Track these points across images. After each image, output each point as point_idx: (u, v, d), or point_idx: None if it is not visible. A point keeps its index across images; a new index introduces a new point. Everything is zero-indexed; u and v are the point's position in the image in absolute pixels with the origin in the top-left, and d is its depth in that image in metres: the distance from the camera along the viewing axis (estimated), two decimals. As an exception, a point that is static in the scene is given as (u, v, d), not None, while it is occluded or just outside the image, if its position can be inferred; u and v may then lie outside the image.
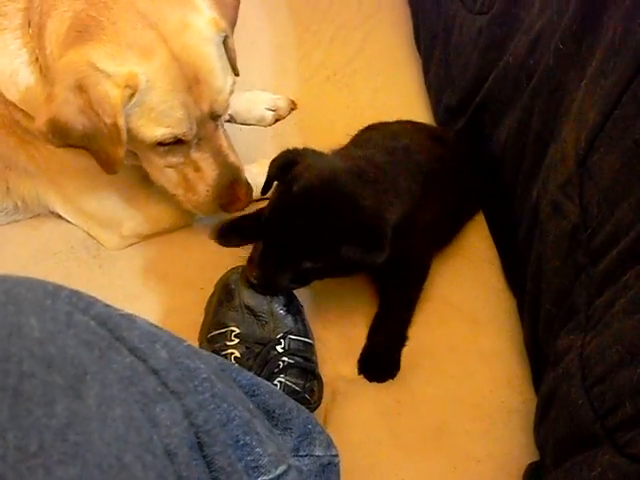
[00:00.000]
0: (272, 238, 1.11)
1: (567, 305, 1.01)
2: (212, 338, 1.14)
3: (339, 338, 1.26)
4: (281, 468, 0.79)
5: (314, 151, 1.17)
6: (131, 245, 1.40)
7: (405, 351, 1.24)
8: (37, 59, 1.20)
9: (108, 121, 1.10)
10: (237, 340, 1.11)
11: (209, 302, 1.20)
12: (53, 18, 1.14)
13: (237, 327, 1.13)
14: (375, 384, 1.20)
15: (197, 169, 1.25)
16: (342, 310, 1.29)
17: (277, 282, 1.13)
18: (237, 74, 1.29)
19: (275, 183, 1.18)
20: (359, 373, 1.21)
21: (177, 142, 1.19)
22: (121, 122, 1.10)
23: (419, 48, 1.76)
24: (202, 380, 0.72)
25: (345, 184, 1.08)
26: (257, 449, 0.75)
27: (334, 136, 1.53)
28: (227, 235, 1.33)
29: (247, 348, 1.11)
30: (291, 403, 0.93)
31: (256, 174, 1.38)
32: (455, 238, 1.39)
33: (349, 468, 1.08)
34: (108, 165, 1.18)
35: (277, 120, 1.66)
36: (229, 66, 1.24)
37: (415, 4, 1.81)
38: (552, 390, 0.98)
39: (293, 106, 1.68)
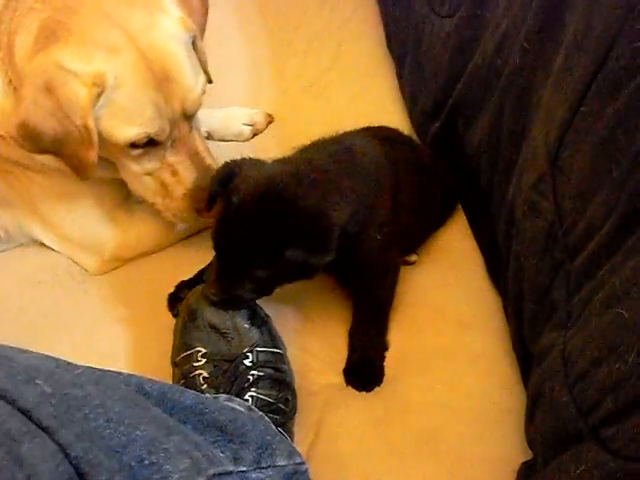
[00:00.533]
0: (223, 253, 1.11)
1: (548, 303, 1.01)
2: (180, 361, 1.14)
3: (326, 347, 1.26)
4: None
5: (253, 160, 1.16)
6: (115, 269, 1.39)
7: (392, 357, 1.24)
8: (10, 81, 1.20)
9: (78, 122, 1.10)
10: (204, 360, 1.11)
11: (175, 325, 1.20)
12: (20, 34, 1.15)
13: (203, 347, 1.12)
14: (365, 393, 1.20)
15: (174, 173, 1.23)
16: (328, 319, 1.29)
17: (237, 295, 1.12)
18: (210, 81, 1.29)
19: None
20: (346, 384, 1.21)
21: (151, 143, 1.18)
22: (91, 123, 1.10)
23: (392, 54, 1.76)
24: (94, 407, 0.74)
25: (283, 188, 1.07)
26: (165, 466, 0.75)
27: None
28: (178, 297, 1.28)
29: (215, 366, 1.10)
30: (244, 417, 0.93)
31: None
32: (436, 240, 1.39)
33: (343, 479, 1.08)
34: (80, 170, 1.17)
35: (255, 135, 1.66)
36: (199, 66, 1.24)
37: (386, 11, 1.81)
38: (537, 388, 0.98)
39: (270, 119, 1.68)
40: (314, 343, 1.26)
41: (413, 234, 1.33)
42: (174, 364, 1.15)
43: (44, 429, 0.69)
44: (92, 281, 1.39)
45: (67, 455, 0.69)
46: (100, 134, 1.14)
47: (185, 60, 1.17)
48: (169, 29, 1.16)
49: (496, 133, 1.21)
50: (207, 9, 1.33)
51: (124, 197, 1.35)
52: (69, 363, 0.82)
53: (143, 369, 1.21)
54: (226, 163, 1.15)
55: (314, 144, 1.26)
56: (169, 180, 1.24)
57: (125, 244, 1.37)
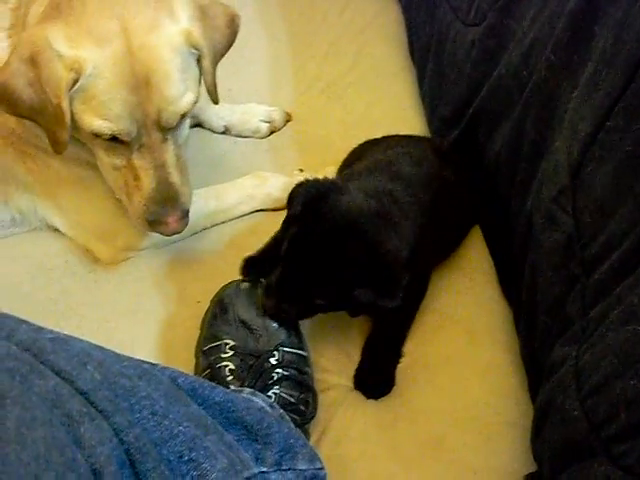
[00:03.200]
0: (289, 272, 1.10)
1: (562, 316, 1.01)
2: (207, 351, 1.15)
3: (337, 350, 1.26)
4: None
5: (338, 186, 1.13)
6: (127, 259, 1.39)
7: (402, 364, 1.24)
8: None
9: (54, 101, 1.10)
10: (231, 352, 1.12)
11: (204, 316, 1.21)
12: (35, 4, 1.17)
13: (231, 340, 1.14)
14: (373, 399, 1.20)
15: (136, 177, 1.21)
16: (339, 323, 1.28)
17: (289, 313, 1.13)
18: (215, 102, 1.29)
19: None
20: (355, 389, 1.21)
21: (115, 140, 1.17)
22: (65, 105, 1.10)
23: (413, 60, 1.76)
24: (140, 398, 0.75)
25: (368, 228, 1.06)
26: (204, 464, 0.77)
27: (329, 148, 1.54)
28: (250, 272, 1.25)
29: (241, 360, 1.11)
30: (270, 418, 0.94)
31: (249, 186, 1.38)
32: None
33: (345, 481, 1.09)
34: (54, 144, 1.17)
35: (272, 132, 1.66)
36: (195, 84, 1.22)
37: (409, 16, 1.81)
38: (548, 401, 0.98)
39: (288, 118, 1.68)
40: (324, 345, 1.26)
41: (442, 249, 1.34)
42: (202, 353, 1.16)
43: (100, 412, 0.70)
44: (103, 271, 1.38)
45: (120, 440, 0.70)
46: (72, 115, 1.13)
47: (174, 71, 1.15)
48: (169, 36, 1.14)
49: (517, 144, 1.21)
50: (234, 31, 1.30)
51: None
52: (116, 354, 0.82)
53: (153, 361, 1.22)
54: (310, 184, 1.12)
55: (389, 160, 1.24)
56: (131, 183, 1.22)
57: (138, 234, 1.36)
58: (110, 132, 1.14)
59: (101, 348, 0.81)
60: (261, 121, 1.65)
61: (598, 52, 0.98)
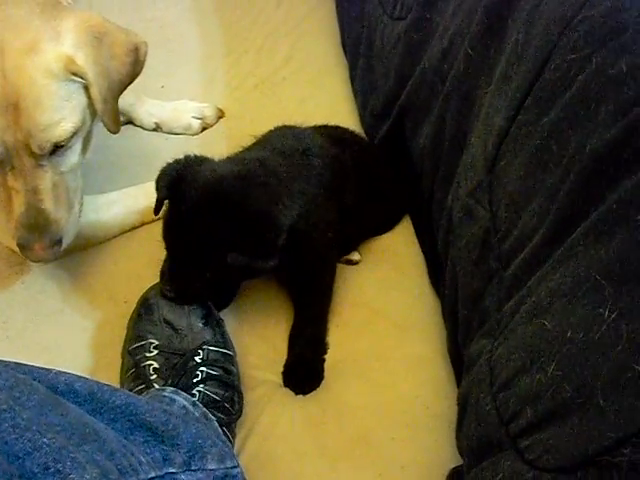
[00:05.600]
0: (172, 254, 1.13)
1: (480, 310, 1.02)
2: (132, 351, 1.14)
3: (265, 346, 1.25)
4: None
5: (200, 159, 1.16)
6: (54, 260, 1.37)
7: (331, 359, 1.23)
8: None
9: None
10: (156, 352, 1.12)
11: (130, 316, 1.20)
12: None
13: (156, 339, 1.14)
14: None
15: (9, 198, 1.17)
16: (267, 319, 1.28)
17: (189, 292, 1.14)
18: (112, 131, 1.24)
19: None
20: (284, 385, 1.21)
21: None
22: None
23: (346, 55, 1.77)
24: (0, 412, 0.73)
25: (231, 191, 1.08)
26: (71, 475, 0.75)
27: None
28: None
29: (166, 359, 1.11)
30: (176, 420, 0.93)
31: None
32: (381, 241, 1.40)
33: (272, 479, 1.08)
34: None
35: (204, 129, 1.65)
36: (78, 113, 1.16)
37: (341, 10, 1.82)
38: (465, 395, 0.99)
39: (221, 114, 1.67)
40: (252, 341, 1.25)
41: (355, 235, 1.33)
42: (127, 352, 1.15)
43: None
44: (30, 270, 1.36)
45: None
46: None
47: (46, 97, 1.10)
48: (45, 61, 1.10)
49: (439, 138, 1.22)
50: (137, 60, 1.23)
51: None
52: None
53: (78, 361, 1.22)
54: (171, 165, 1.14)
55: (268, 138, 1.27)
56: (4, 202, 1.19)
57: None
58: None
59: None
60: (193, 117, 1.63)
61: (510, 46, 0.99)
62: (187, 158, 1.16)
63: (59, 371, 0.87)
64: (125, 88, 1.24)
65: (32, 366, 0.86)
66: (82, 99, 1.17)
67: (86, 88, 1.16)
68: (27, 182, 1.15)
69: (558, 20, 0.89)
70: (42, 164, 1.15)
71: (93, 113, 1.21)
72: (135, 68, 1.23)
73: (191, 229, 1.08)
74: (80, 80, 1.14)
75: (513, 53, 0.98)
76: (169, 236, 1.11)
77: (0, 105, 1.08)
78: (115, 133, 1.25)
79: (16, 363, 0.84)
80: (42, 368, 0.86)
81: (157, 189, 1.13)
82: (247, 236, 1.06)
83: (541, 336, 0.80)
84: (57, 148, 1.15)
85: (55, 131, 1.12)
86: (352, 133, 1.46)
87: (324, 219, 1.20)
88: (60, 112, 1.13)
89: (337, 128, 1.44)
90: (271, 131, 1.37)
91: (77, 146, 1.21)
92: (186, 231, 1.08)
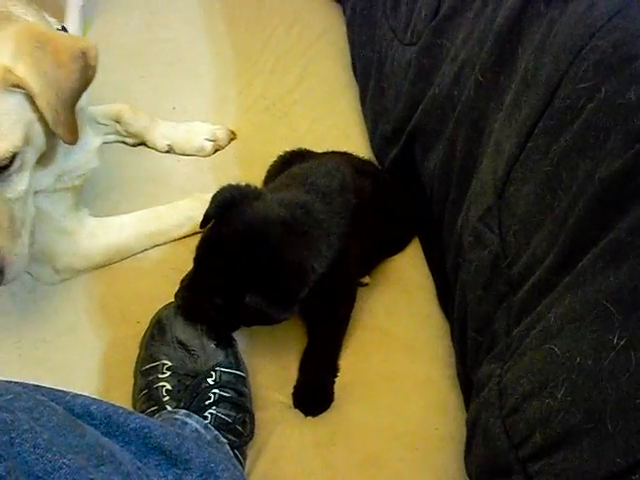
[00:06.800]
0: (198, 267, 1.13)
1: (490, 334, 1.02)
2: (145, 371, 1.15)
3: (275, 366, 1.26)
4: None
5: (258, 194, 1.14)
6: (66, 280, 1.38)
7: (340, 380, 1.24)
8: None
9: None
10: (169, 373, 1.12)
11: (143, 337, 1.21)
12: None
13: (169, 360, 1.14)
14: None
15: None
16: (278, 339, 1.29)
17: (198, 309, 1.14)
18: (68, 142, 1.15)
19: None
20: (294, 407, 1.21)
21: None
22: None
23: (356, 78, 1.78)
24: (22, 432, 0.73)
25: (272, 235, 1.08)
26: None
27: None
28: None
29: (178, 381, 1.12)
30: (189, 443, 0.93)
31: (189, 208, 1.38)
32: (390, 264, 1.40)
33: (282, 500, 1.09)
34: None
35: (216, 150, 1.65)
36: (18, 130, 1.07)
37: (352, 34, 1.83)
38: (474, 418, 0.99)
39: (232, 136, 1.68)
40: (262, 362, 1.26)
41: (369, 260, 1.34)
42: (140, 373, 1.16)
43: None
44: (42, 291, 1.37)
45: None
46: None
47: None
48: None
49: (449, 163, 1.23)
50: (87, 65, 1.14)
51: (74, 209, 1.34)
52: (8, 384, 0.82)
53: (90, 380, 1.22)
54: (231, 187, 1.14)
55: (305, 174, 1.25)
56: None
57: (77, 255, 1.36)
58: None
59: None
60: (205, 139, 1.64)
61: (520, 74, 1.00)
62: (247, 187, 1.15)
63: (75, 394, 0.88)
64: (79, 95, 1.15)
65: (50, 388, 0.86)
66: (25, 114, 1.09)
67: (32, 101, 1.08)
68: None
69: (568, 49, 0.90)
70: None
71: (49, 132, 1.13)
72: (86, 73, 1.14)
73: (224, 255, 1.08)
74: (22, 92, 1.07)
75: (523, 81, 0.99)
76: (202, 251, 1.11)
77: None
78: (72, 144, 1.16)
79: (35, 385, 0.84)
80: (59, 390, 0.87)
81: (210, 204, 1.13)
82: (273, 281, 1.06)
83: (550, 361, 0.81)
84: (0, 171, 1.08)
85: None
86: (365, 160, 1.47)
87: (353, 255, 1.20)
88: None
89: (354, 157, 1.45)
90: (297, 157, 1.38)
91: (25, 171, 1.13)
92: (219, 254, 1.09)
